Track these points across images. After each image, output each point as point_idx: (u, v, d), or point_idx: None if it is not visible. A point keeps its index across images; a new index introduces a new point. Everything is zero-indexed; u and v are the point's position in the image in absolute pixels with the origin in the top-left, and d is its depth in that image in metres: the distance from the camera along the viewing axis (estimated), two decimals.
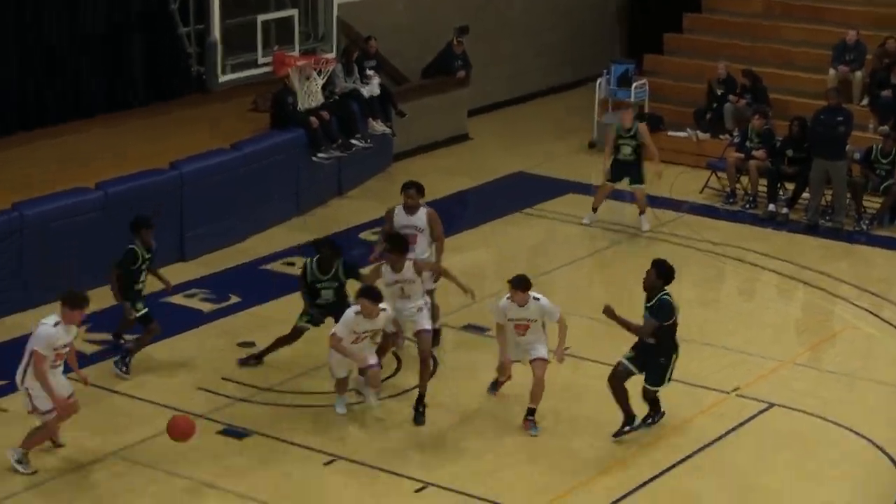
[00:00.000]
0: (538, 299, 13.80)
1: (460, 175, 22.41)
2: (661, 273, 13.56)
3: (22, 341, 13.16)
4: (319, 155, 20.61)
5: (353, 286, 14.55)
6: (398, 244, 14.44)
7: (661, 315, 13.37)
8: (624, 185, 20.13)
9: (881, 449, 13.85)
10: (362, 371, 14.06)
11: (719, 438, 13.99)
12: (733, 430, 14.18)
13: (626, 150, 19.77)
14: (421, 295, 14.49)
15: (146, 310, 15.09)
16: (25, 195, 16.91)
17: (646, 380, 13.64)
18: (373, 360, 13.89)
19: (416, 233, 15.31)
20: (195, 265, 18.17)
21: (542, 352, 13.95)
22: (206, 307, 17.00)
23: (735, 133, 22.42)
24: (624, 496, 12.84)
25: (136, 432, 13.74)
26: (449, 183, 21.83)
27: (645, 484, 13.08)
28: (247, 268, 18.31)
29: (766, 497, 13.04)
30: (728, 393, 14.39)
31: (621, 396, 13.59)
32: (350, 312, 13.58)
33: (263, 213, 19.65)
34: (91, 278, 16.41)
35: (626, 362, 13.61)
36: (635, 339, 13.50)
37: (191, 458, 13.22)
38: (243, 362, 15.27)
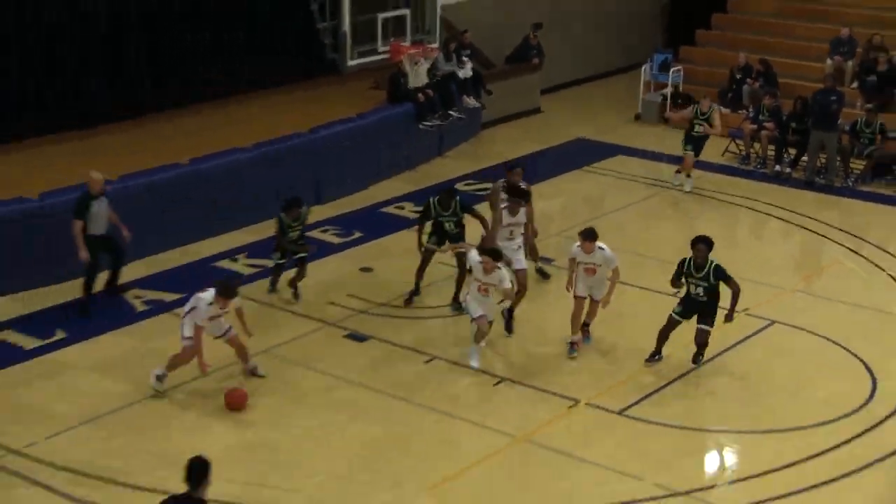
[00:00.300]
0: (602, 248, 13.39)
1: (534, 140, 22.33)
2: (710, 246, 13.11)
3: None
4: (424, 123, 20.67)
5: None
6: (520, 194, 14.44)
7: (725, 274, 13.03)
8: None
9: (858, 357, 13.88)
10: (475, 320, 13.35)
11: (731, 347, 14.04)
12: (742, 341, 14.23)
13: (699, 129, 19.62)
14: (521, 238, 14.47)
15: (283, 261, 14.96)
16: (201, 151, 17.14)
17: (703, 323, 13.21)
18: (481, 312, 13.27)
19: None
20: (328, 207, 18.29)
21: (603, 294, 13.69)
22: (336, 240, 17.14)
23: (750, 109, 22.25)
24: (657, 390, 13.03)
25: (283, 335, 14.03)
26: (525, 146, 21.79)
27: (672, 382, 13.22)
28: (368, 210, 18.44)
29: (770, 393, 13.06)
30: (739, 312, 14.43)
31: (663, 340, 13.43)
32: (475, 261, 13.18)
33: (381, 167, 19.74)
34: (250, 215, 16.98)
35: (675, 316, 13.32)
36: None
37: (325, 357, 13.51)
38: (407, 303, 14.98)
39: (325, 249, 16.70)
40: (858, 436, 12.20)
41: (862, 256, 17.23)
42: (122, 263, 14.88)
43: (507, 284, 13.26)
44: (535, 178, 20.07)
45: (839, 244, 17.71)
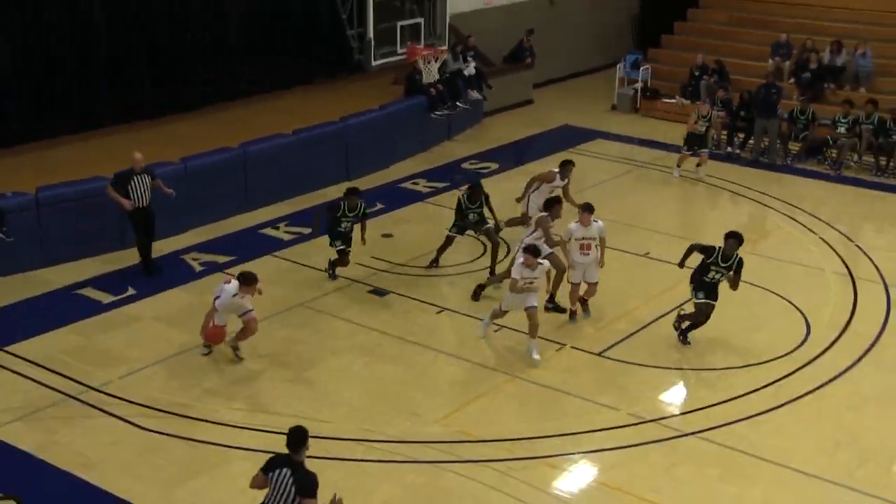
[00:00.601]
0: (596, 221, 12.75)
1: (527, 127, 21.92)
2: (741, 242, 12.22)
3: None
4: (436, 113, 20.29)
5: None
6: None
7: (741, 268, 12.19)
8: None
9: (795, 306, 13.61)
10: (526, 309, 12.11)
11: (691, 299, 13.70)
12: None
13: (701, 128, 18.73)
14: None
15: (343, 247, 13.75)
16: (249, 137, 16.78)
17: (713, 299, 12.37)
18: (532, 301, 12.02)
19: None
20: (355, 183, 17.41)
21: (595, 276, 12.87)
22: None
23: (706, 100, 21.84)
24: (630, 335, 12.77)
25: (316, 291, 13.72)
26: (518, 131, 21.48)
27: (642, 328, 12.97)
28: (388, 186, 18.03)
29: (722, 337, 12.76)
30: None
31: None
32: (517, 262, 12.04)
33: (399, 149, 19.31)
34: (289, 191, 16.62)
35: (712, 302, 12.37)
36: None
37: (351, 308, 13.20)
38: (428, 268, 14.34)
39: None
40: (795, 371, 11.99)
41: (798, 222, 16.85)
42: (152, 237, 14.04)
43: (548, 266, 12.27)
44: (527, 158, 19.89)
45: (779, 212, 17.33)
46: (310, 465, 9.82)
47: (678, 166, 19.06)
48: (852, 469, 10.32)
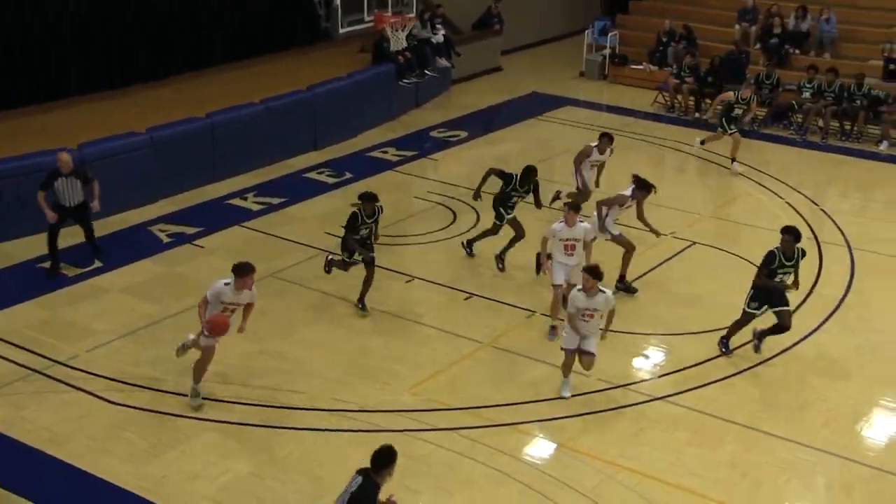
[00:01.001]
0: (582, 221, 11.78)
1: (495, 93, 21.83)
2: (798, 237, 11.25)
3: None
4: (404, 80, 20.13)
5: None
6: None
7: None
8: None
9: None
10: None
11: (661, 264, 13.78)
12: (668, 259, 13.97)
13: (739, 112, 17.97)
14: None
15: (352, 260, 12.28)
16: (216, 107, 16.52)
17: (784, 305, 11.36)
18: (590, 345, 10.49)
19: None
20: (323, 152, 17.77)
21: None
22: (331, 180, 16.65)
23: (674, 66, 21.84)
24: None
25: (286, 261, 13.60)
26: (487, 98, 21.36)
27: (616, 292, 12.83)
28: (357, 155, 17.88)
29: (688, 302, 12.84)
30: (667, 235, 14.11)
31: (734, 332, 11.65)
32: (574, 291, 10.46)
33: (367, 117, 19.12)
34: (257, 161, 16.30)
35: (789, 308, 11.36)
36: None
37: (321, 278, 13.00)
38: (465, 247, 13.71)
39: (320, 188, 16.27)
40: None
41: (765, 187, 16.89)
42: (91, 229, 13.36)
43: (613, 313, 10.51)
44: (497, 125, 19.80)
45: (747, 177, 17.35)
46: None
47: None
48: (817, 429, 10.41)
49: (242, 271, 10.04)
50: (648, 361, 11.76)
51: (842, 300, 13.03)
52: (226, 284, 10.04)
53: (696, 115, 20.48)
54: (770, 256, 11.23)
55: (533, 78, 23.04)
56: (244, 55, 19.73)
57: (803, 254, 11.41)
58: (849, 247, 14.60)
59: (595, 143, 14.72)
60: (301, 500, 9.12)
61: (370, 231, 12.15)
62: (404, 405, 10.53)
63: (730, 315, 12.42)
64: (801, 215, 15.67)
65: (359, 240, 12.12)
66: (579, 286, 10.34)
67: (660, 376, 11.28)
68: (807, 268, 13.71)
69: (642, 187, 12.69)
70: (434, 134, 19.10)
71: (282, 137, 17.14)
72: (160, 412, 10.26)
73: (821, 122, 19.55)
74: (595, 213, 12.84)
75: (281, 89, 17.72)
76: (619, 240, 12.83)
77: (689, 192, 16.70)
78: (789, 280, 11.35)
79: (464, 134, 19.14)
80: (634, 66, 23.07)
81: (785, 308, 11.40)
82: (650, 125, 20.09)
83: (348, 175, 16.76)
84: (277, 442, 9.84)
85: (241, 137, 16.53)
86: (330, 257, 12.80)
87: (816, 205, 16.22)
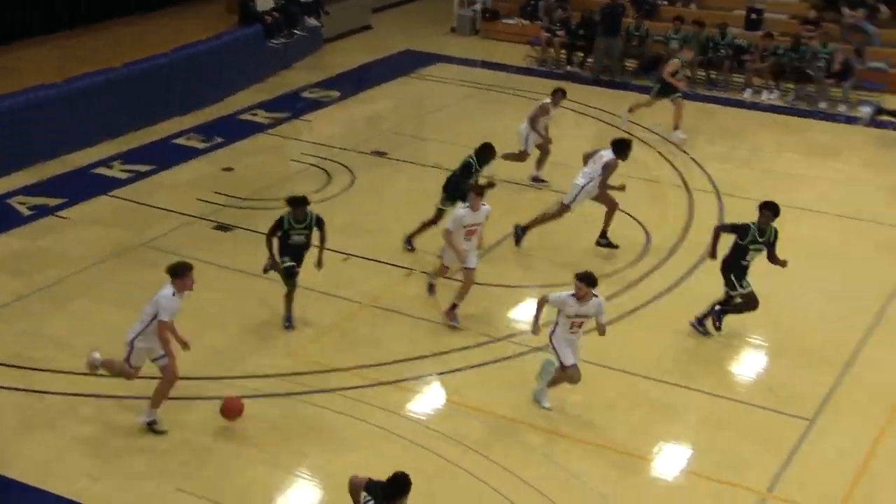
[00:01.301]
0: (485, 205, 11.22)
1: (366, 52, 21.66)
2: (777, 213, 10.84)
3: None
4: (272, 41, 19.84)
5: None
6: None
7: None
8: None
9: (637, 220, 13.95)
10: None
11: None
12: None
13: (683, 75, 17.80)
14: None
15: (292, 265, 11.04)
16: (76, 71, 16.07)
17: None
18: (573, 360, 9.90)
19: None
20: (191, 117, 17.33)
21: (474, 262, 11.29)
22: (201, 145, 16.30)
23: (545, 20, 22.09)
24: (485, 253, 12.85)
25: (159, 229, 13.32)
26: (358, 57, 21.20)
27: (496, 246, 13.00)
28: (227, 118, 17.53)
29: (565, 251, 12.93)
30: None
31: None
32: (564, 295, 9.78)
33: (236, 80, 18.76)
34: (121, 127, 15.79)
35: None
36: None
37: (197, 246, 12.81)
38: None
39: (190, 153, 15.94)
40: (637, 282, 12.50)
41: (637, 137, 17.12)
42: None
43: (604, 316, 9.94)
44: (370, 84, 19.68)
45: (619, 129, 17.59)
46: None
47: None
48: (691, 370, 10.84)
49: (182, 272, 9.11)
50: (528, 313, 11.81)
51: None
52: (173, 295, 9.05)
53: (568, 67, 20.79)
54: (744, 229, 10.91)
55: (404, 35, 22.97)
56: (107, 17, 19.11)
57: (776, 234, 10.94)
58: (717, 193, 15.12)
59: (549, 100, 14.90)
60: (183, 472, 9.03)
61: (306, 239, 11.00)
62: (285, 368, 10.50)
63: (604, 264, 12.71)
64: (671, 164, 16.14)
65: (293, 246, 11.01)
66: (570, 292, 9.73)
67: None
68: (678, 215, 14.27)
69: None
70: (306, 94, 18.88)
71: (146, 102, 16.69)
72: (30, 390, 9.95)
73: (687, 72, 20.08)
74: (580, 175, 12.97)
75: (144, 52, 17.25)
76: (602, 198, 12.95)
77: (564, 145, 16.86)
78: (756, 258, 10.98)
79: (336, 94, 18.99)
80: (506, 21, 23.21)
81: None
82: (523, 80, 20.23)
83: (219, 139, 16.45)
84: (166, 413, 9.60)
85: (104, 103, 16.05)
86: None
87: (685, 153, 16.71)
